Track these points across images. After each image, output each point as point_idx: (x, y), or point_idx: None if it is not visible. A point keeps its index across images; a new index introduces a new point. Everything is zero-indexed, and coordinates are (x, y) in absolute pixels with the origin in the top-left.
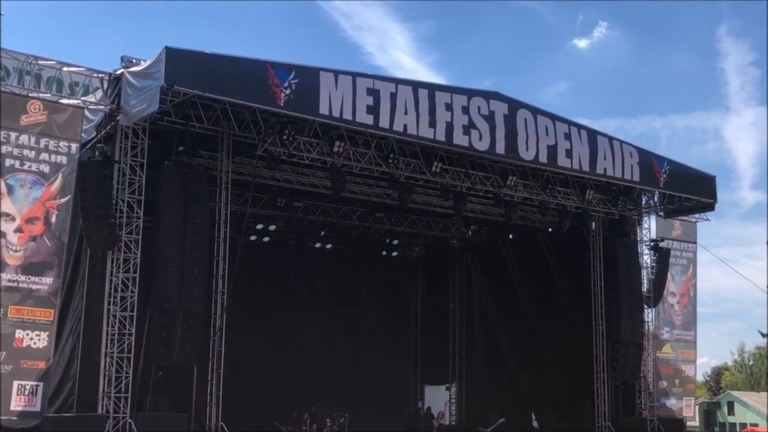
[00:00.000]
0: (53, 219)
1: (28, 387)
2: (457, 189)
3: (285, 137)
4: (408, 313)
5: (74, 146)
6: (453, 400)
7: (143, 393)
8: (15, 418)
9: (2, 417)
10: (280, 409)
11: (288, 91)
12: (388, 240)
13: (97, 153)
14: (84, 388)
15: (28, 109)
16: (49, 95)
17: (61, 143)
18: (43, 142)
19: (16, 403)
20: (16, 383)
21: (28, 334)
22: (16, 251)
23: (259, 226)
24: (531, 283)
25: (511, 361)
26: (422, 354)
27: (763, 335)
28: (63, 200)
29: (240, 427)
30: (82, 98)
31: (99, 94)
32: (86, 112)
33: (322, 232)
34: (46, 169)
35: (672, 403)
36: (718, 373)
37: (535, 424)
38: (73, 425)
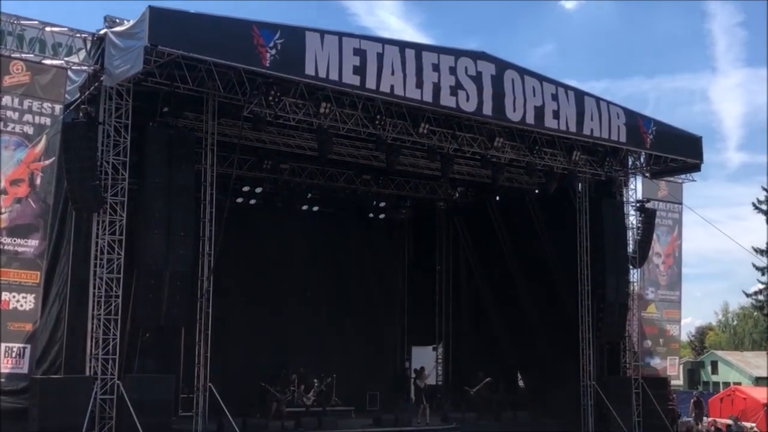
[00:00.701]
0: (38, 181)
1: (15, 349)
2: (444, 150)
3: (271, 98)
4: (395, 275)
5: (58, 107)
6: (440, 361)
7: (131, 355)
8: (3, 380)
9: None
10: (268, 370)
11: (273, 52)
12: (374, 202)
13: (81, 114)
14: (71, 350)
15: (10, 69)
16: (31, 56)
17: (45, 104)
18: (26, 103)
19: (4, 365)
20: (3, 345)
21: (14, 297)
22: (1, 213)
23: (246, 189)
24: (517, 244)
25: (497, 321)
26: (409, 315)
27: (747, 295)
28: (47, 162)
29: (228, 388)
30: (66, 59)
31: (82, 54)
32: (69, 73)
33: (309, 195)
34: (30, 130)
35: (656, 362)
36: (702, 333)
37: (520, 383)
38: (60, 387)
